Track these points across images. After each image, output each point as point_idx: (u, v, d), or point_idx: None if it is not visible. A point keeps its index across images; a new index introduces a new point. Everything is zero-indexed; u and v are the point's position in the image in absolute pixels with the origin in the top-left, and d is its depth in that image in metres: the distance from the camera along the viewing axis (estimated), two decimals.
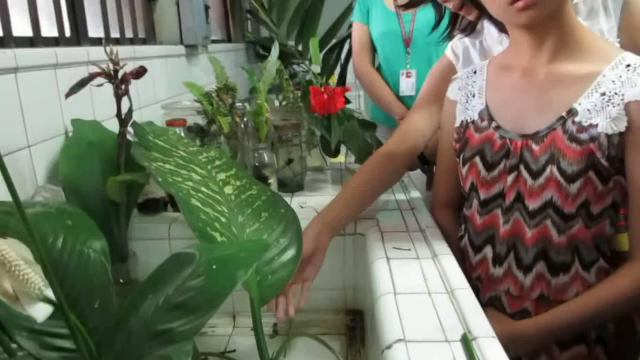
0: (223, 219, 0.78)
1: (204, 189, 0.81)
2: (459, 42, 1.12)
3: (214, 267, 0.46)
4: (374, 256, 0.90)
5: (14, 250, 0.42)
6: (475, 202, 0.92)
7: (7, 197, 0.75)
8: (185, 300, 0.45)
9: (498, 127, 0.88)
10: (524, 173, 0.84)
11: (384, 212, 1.10)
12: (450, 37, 1.07)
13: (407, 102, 1.94)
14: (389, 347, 0.66)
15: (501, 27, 1.05)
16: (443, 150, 1.04)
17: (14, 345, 0.49)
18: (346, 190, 1.02)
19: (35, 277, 0.43)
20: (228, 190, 0.86)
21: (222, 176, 0.88)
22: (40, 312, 0.44)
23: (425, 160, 1.36)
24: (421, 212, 1.09)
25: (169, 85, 1.70)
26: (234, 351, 0.99)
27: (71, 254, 0.56)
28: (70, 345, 0.52)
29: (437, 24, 1.07)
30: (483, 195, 0.90)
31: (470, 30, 1.06)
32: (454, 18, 1.04)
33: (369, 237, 0.99)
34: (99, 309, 0.54)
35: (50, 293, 0.44)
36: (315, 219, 0.94)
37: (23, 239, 0.45)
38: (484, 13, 0.91)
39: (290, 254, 0.81)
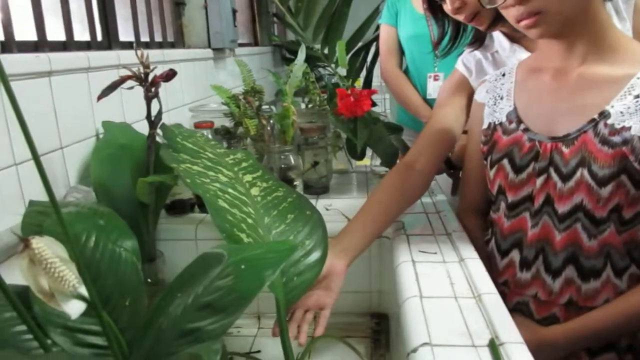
0: (249, 220, 0.79)
1: (230, 190, 0.82)
2: (470, 56, 1.11)
3: (242, 267, 0.46)
4: (400, 259, 0.90)
5: (50, 249, 0.44)
6: (503, 205, 0.92)
7: (40, 197, 0.78)
8: (214, 300, 0.46)
9: (526, 129, 0.87)
10: (554, 176, 0.83)
11: (410, 215, 1.10)
12: (449, 52, 1.07)
13: (433, 105, 1.92)
14: (414, 351, 0.65)
15: (512, 38, 1.05)
16: (470, 153, 1.04)
17: (48, 341, 0.51)
18: (364, 211, 0.97)
19: (70, 274, 0.44)
20: (254, 191, 0.87)
21: (248, 178, 0.89)
22: (74, 309, 0.45)
23: (451, 165, 1.35)
24: (447, 215, 1.09)
25: (196, 88, 1.73)
26: (259, 351, 1.00)
27: (103, 252, 0.58)
28: (102, 342, 0.53)
29: (439, 40, 1.07)
30: (511, 198, 0.89)
31: (479, 43, 1.05)
32: (455, 32, 1.04)
33: (395, 240, 0.99)
34: (130, 307, 0.55)
35: (83, 290, 0.45)
36: (331, 242, 0.88)
37: (57, 238, 0.46)
38: (494, 24, 0.91)
39: (315, 255, 0.81)
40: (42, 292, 0.43)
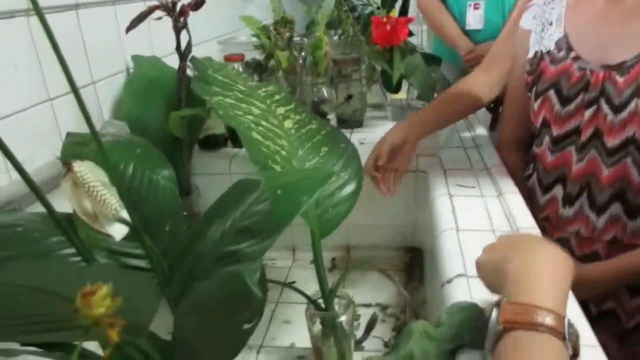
0: (283, 152, 0.80)
1: (263, 123, 0.83)
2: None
3: (279, 192, 0.48)
4: (436, 193, 0.90)
5: (91, 173, 0.46)
6: (547, 139, 0.90)
7: (77, 130, 0.80)
8: (251, 224, 0.47)
9: (577, 58, 0.84)
10: (604, 107, 0.80)
11: (447, 149, 1.10)
12: None
13: (473, 36, 1.86)
14: (449, 281, 0.67)
15: None
16: (513, 83, 1.01)
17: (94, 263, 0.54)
18: (437, 100, 1.06)
19: (111, 198, 0.46)
20: (287, 124, 0.87)
21: (281, 110, 0.90)
22: (117, 231, 0.48)
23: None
24: (486, 149, 1.08)
25: (225, 20, 1.71)
26: (294, 282, 1.04)
27: (141, 180, 0.60)
28: (145, 264, 0.56)
29: None
30: (556, 131, 0.87)
31: None
32: None
33: (431, 173, 0.99)
34: (169, 232, 0.58)
35: (125, 214, 0.48)
36: (409, 115, 1.01)
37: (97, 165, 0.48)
38: None
39: (350, 188, 0.82)
40: (86, 214, 0.46)
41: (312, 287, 0.82)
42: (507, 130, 1.05)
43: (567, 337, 0.40)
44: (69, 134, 0.76)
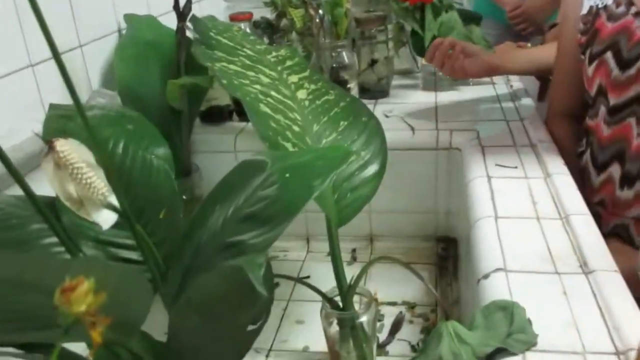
0: (296, 128, 0.80)
1: (273, 93, 0.83)
2: None
3: (287, 175, 0.48)
4: (472, 174, 0.90)
5: (76, 152, 0.46)
6: (603, 110, 0.89)
7: (61, 101, 0.81)
8: (256, 211, 0.48)
9: (639, 13, 0.83)
10: None
11: (486, 122, 1.09)
12: None
13: None
14: (485, 277, 0.67)
15: None
16: (564, 44, 1.00)
17: (80, 255, 0.55)
18: None
19: (99, 181, 0.47)
20: (301, 94, 0.87)
21: (294, 78, 0.90)
22: (105, 219, 0.49)
23: None
24: (533, 123, 1.07)
25: None
26: (308, 277, 1.05)
27: (133, 159, 0.61)
28: (137, 256, 0.57)
29: None
30: (613, 100, 0.86)
31: None
32: None
33: (467, 151, 0.99)
34: (165, 219, 0.59)
35: (114, 199, 0.48)
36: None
37: (83, 144, 0.49)
38: None
39: (372, 169, 0.82)
40: (70, 199, 0.46)
41: (328, 283, 0.82)
42: (557, 99, 1.04)
43: None
44: (52, 106, 0.77)
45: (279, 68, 0.92)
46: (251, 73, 0.86)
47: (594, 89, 0.90)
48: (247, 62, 0.89)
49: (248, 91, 0.81)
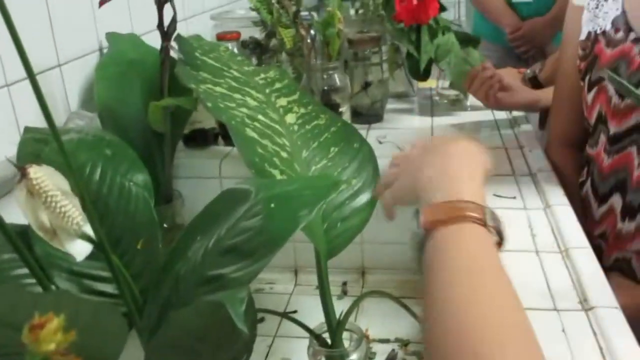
0: (284, 154, 0.81)
1: (261, 117, 0.84)
2: None
3: (273, 205, 0.48)
4: None
5: (50, 180, 0.47)
6: (603, 138, 0.90)
7: (37, 124, 0.82)
8: (239, 243, 0.48)
9: (638, 40, 0.84)
10: None
11: (485, 150, 1.10)
12: None
13: (520, 10, 1.87)
14: None
15: None
16: (564, 71, 1.01)
17: (52, 287, 0.55)
18: None
19: (73, 210, 0.47)
20: (290, 118, 0.88)
21: (282, 102, 0.91)
22: (79, 250, 0.49)
23: (541, 87, 1.32)
24: (532, 151, 1.08)
25: None
26: (295, 312, 1.05)
27: (111, 187, 0.61)
28: (112, 289, 0.57)
29: None
30: (613, 128, 0.87)
31: None
32: None
33: None
34: (143, 250, 0.59)
35: (89, 229, 0.49)
36: None
37: (58, 170, 0.49)
38: None
39: (364, 198, 0.83)
40: (43, 229, 0.47)
41: (317, 318, 0.82)
42: (557, 127, 1.06)
43: (488, 223, 0.49)
44: (27, 129, 0.78)
45: (267, 90, 0.93)
46: (238, 96, 0.87)
47: (594, 116, 0.91)
48: (234, 84, 0.90)
49: (234, 115, 0.81)
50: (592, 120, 0.92)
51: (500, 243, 0.53)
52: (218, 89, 0.86)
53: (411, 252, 0.55)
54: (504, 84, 1.16)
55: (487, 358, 0.38)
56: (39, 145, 0.67)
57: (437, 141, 0.63)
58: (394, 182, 0.64)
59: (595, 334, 0.62)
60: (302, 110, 0.91)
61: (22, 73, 0.89)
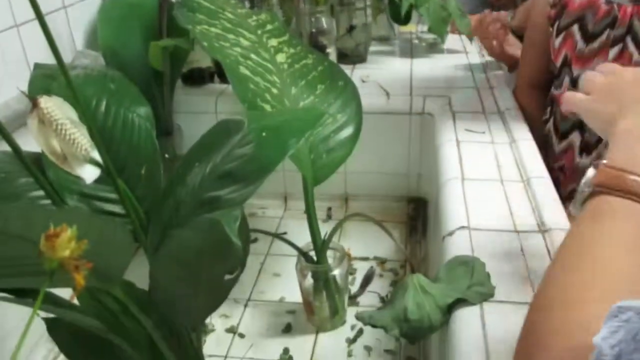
0: (274, 90, 0.81)
1: (253, 56, 0.83)
2: None
3: (264, 134, 0.49)
4: (443, 138, 0.92)
5: (59, 110, 0.47)
6: (567, 80, 0.90)
7: (45, 61, 0.81)
8: (233, 169, 0.49)
9: None
10: (631, 46, 0.80)
11: (458, 89, 1.10)
12: None
13: None
14: (450, 234, 0.69)
15: None
16: (534, 18, 1.00)
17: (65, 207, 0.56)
18: None
19: (82, 137, 0.47)
20: (280, 58, 0.87)
21: (273, 42, 0.90)
22: (88, 173, 0.49)
23: (512, 34, 1.30)
24: (501, 92, 1.08)
25: None
26: (285, 233, 1.07)
27: (115, 118, 0.61)
28: (120, 210, 0.58)
29: None
30: (577, 71, 0.87)
31: None
32: None
33: (439, 117, 1.00)
34: (146, 176, 0.59)
35: (96, 155, 0.49)
36: None
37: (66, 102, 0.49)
38: None
39: (348, 131, 0.83)
40: (55, 154, 0.47)
41: (304, 239, 0.84)
42: (527, 69, 1.05)
43: None
44: (36, 65, 0.77)
45: (259, 32, 0.92)
46: (231, 36, 0.86)
47: (560, 60, 0.91)
48: (228, 25, 0.88)
49: (228, 54, 0.80)
50: (558, 63, 0.92)
51: None
52: (213, 29, 0.85)
53: (575, 202, 0.47)
54: (509, 38, 1.17)
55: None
56: (48, 81, 0.66)
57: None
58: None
59: (549, 253, 0.63)
60: (292, 51, 0.90)
61: (29, 15, 0.88)
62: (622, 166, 0.42)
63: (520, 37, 1.41)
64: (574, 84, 0.89)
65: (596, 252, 0.39)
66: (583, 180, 0.45)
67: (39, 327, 0.57)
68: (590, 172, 0.45)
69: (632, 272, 0.38)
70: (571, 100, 0.53)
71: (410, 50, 1.35)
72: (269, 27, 0.94)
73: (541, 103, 1.03)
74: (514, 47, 1.18)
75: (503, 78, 1.17)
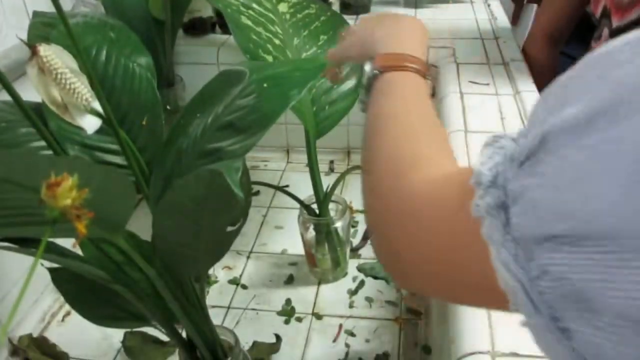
0: (276, 40, 0.80)
1: (255, 6, 0.82)
2: None
3: (265, 85, 0.48)
4: (446, 90, 0.90)
5: (59, 58, 0.46)
6: (606, 32, 0.87)
7: (45, 9, 0.79)
8: (235, 119, 0.48)
9: None
10: None
11: (462, 40, 1.08)
12: None
13: None
14: None
15: None
16: None
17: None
18: None
19: (82, 87, 0.47)
20: (282, 7, 0.86)
21: None
22: (89, 123, 0.49)
23: None
24: (507, 42, 1.06)
25: None
26: (287, 186, 1.07)
27: (116, 67, 0.61)
28: (121, 161, 0.58)
29: None
30: (616, 22, 0.85)
31: None
32: None
33: (442, 68, 0.99)
34: (147, 126, 0.59)
35: (97, 105, 0.49)
36: None
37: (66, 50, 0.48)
38: None
39: (350, 83, 0.82)
40: (55, 103, 0.46)
41: (307, 192, 0.84)
42: (546, 21, 1.02)
43: (428, 77, 0.54)
44: (35, 13, 0.75)
45: None
46: None
47: (599, 11, 0.88)
48: None
49: (229, 3, 0.79)
50: (598, 14, 0.89)
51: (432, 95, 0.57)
52: None
53: (361, 94, 0.57)
54: None
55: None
56: (47, 29, 0.65)
57: (382, 15, 0.64)
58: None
59: None
60: (294, 0, 0.88)
61: None
62: (394, 51, 0.53)
63: None
64: (613, 36, 0.86)
65: (407, 117, 0.47)
66: (366, 73, 0.54)
67: (44, 278, 0.58)
68: (368, 64, 0.54)
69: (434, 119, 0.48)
70: (330, 53, 0.65)
71: (414, 1, 1.32)
72: None
73: (553, 58, 1.01)
74: None
75: (509, 29, 1.15)
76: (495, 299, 0.27)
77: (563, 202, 0.23)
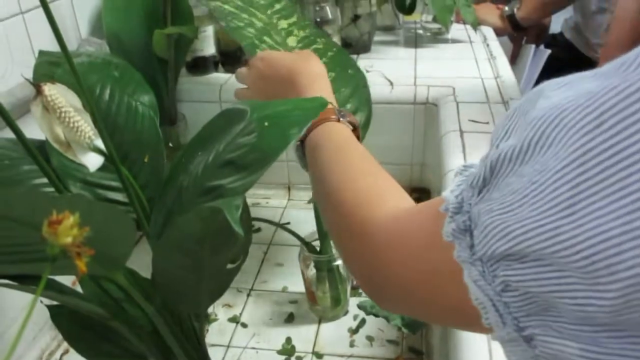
0: None
1: (267, 39, 0.83)
2: None
3: (266, 123, 0.49)
4: (446, 128, 0.91)
5: (63, 97, 0.47)
6: None
7: (52, 48, 0.81)
8: (235, 158, 0.49)
9: None
10: None
11: (462, 79, 1.09)
12: None
13: None
14: None
15: None
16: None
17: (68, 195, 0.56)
18: None
19: (85, 125, 0.48)
20: (291, 41, 0.87)
21: (284, 24, 0.89)
22: (92, 161, 0.50)
23: (517, 25, 1.30)
24: (506, 82, 1.08)
25: None
26: (288, 223, 1.07)
27: (119, 106, 0.61)
28: (122, 198, 0.58)
29: None
30: None
31: None
32: None
33: (443, 107, 1.00)
34: (149, 164, 0.59)
35: (100, 143, 0.49)
36: None
37: (70, 89, 0.49)
38: None
39: (358, 119, 0.83)
40: (58, 141, 0.47)
41: (308, 229, 0.84)
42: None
43: (340, 118, 0.57)
44: (41, 53, 0.77)
45: (269, 12, 0.91)
46: (245, 15, 0.85)
47: None
48: (240, 3, 0.87)
49: (245, 35, 0.80)
50: None
51: (355, 129, 0.61)
52: (226, 7, 0.84)
53: (299, 161, 0.61)
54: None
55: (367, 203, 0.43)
56: (52, 68, 0.66)
57: (271, 61, 0.68)
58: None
59: None
60: (302, 34, 0.90)
61: (35, 2, 0.88)
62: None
63: (524, 28, 1.41)
64: None
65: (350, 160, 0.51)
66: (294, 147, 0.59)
67: (43, 315, 0.58)
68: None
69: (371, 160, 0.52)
70: (239, 96, 0.71)
71: (414, 40, 1.34)
72: (277, 6, 0.93)
73: None
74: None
75: (508, 67, 1.16)
76: (467, 320, 0.29)
77: (506, 225, 0.25)
